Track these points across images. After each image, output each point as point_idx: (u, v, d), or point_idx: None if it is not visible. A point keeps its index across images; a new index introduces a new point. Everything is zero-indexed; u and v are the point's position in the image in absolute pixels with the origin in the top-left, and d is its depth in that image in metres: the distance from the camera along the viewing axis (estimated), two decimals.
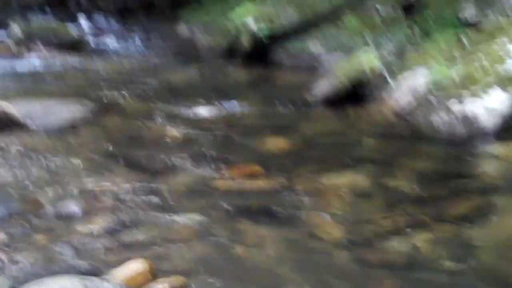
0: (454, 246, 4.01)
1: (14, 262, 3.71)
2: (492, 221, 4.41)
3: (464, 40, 6.79)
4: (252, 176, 5.03)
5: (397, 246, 4.01)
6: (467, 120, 5.82)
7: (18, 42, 9.58)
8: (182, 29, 10.68)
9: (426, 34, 7.62)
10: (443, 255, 3.89)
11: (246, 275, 3.72)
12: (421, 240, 4.05)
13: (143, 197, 4.66)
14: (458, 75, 6.20)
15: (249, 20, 8.92)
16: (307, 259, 3.90)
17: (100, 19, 11.28)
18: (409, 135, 5.94)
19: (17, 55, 9.07)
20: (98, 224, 4.20)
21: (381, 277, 3.68)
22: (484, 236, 4.17)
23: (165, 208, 4.50)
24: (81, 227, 4.16)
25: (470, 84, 6.04)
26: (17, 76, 8.14)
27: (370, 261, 3.85)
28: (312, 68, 8.18)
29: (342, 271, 3.75)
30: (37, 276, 3.35)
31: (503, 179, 5.07)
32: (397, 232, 4.16)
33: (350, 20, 8.45)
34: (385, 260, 3.85)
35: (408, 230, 4.17)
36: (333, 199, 4.67)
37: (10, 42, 9.62)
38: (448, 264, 3.80)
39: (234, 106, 6.86)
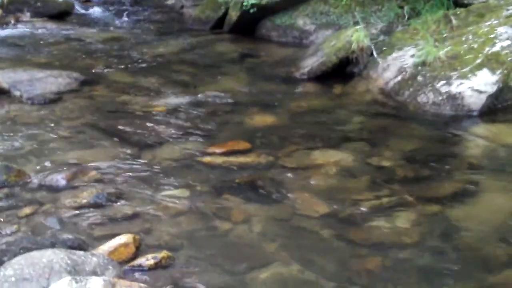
0: (438, 225, 4.05)
1: (0, 234, 3.72)
2: (476, 201, 4.46)
3: (454, 20, 6.79)
4: (239, 152, 5.03)
5: (382, 224, 4.05)
6: (454, 100, 5.85)
7: (5, 11, 9.47)
8: (171, 1, 10.59)
9: (416, 13, 7.62)
10: (427, 234, 3.94)
11: (232, 251, 3.75)
12: (405, 219, 4.10)
13: (130, 171, 4.67)
14: (446, 55, 6.21)
15: None
16: (293, 236, 3.93)
17: None
18: (395, 114, 5.96)
19: (4, 24, 8.97)
20: (84, 197, 4.19)
21: (365, 255, 3.72)
22: (468, 215, 4.21)
23: (151, 182, 4.50)
24: (67, 200, 4.17)
25: (458, 65, 6.06)
26: (4, 45, 8.06)
27: (355, 239, 3.88)
28: (300, 44, 8.16)
29: (327, 249, 3.79)
30: (23, 249, 3.35)
31: (488, 159, 5.11)
32: (382, 211, 4.20)
33: None
34: (369, 238, 3.89)
35: (393, 209, 4.22)
36: (319, 177, 4.70)
37: None
38: (432, 243, 3.86)
39: (220, 81, 6.85)
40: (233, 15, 8.85)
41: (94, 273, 3.19)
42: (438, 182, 4.65)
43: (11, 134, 5.17)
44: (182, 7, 10.15)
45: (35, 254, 3.23)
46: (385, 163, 4.91)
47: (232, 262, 3.61)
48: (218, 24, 9.15)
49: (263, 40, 8.59)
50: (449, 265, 3.65)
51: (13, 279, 3.10)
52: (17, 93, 6.03)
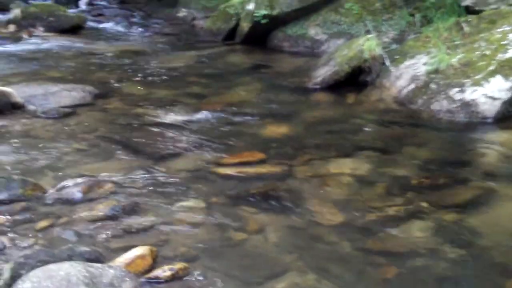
0: (455, 233, 4.03)
1: (18, 248, 3.73)
2: (492, 208, 4.43)
3: (465, 27, 6.79)
4: (253, 162, 5.04)
5: (398, 233, 4.03)
6: (468, 107, 5.84)
7: (19, 26, 9.56)
8: (182, 13, 10.64)
9: (427, 21, 7.62)
10: (444, 242, 3.92)
11: (247, 261, 3.74)
12: (421, 227, 4.08)
13: (145, 183, 4.67)
14: (459, 62, 6.20)
15: (249, 5, 8.89)
16: (308, 246, 3.92)
17: (100, 2, 11.25)
18: (409, 122, 5.95)
19: (18, 39, 9.05)
20: (100, 209, 4.20)
21: (381, 265, 3.70)
22: (485, 222, 4.19)
23: (167, 194, 4.51)
24: (83, 213, 4.17)
25: (471, 72, 6.05)
26: (18, 60, 8.12)
27: (371, 248, 3.87)
28: (312, 53, 8.19)
29: (343, 258, 3.78)
30: (41, 262, 3.35)
31: (503, 165, 5.09)
32: (398, 219, 4.18)
33: (351, 5, 8.43)
34: (385, 247, 3.87)
35: (409, 217, 4.20)
36: (334, 186, 4.69)
37: (11, 26, 9.60)
38: (449, 251, 3.83)
39: (234, 92, 6.86)
40: (245, 26, 8.89)
41: (112, 285, 3.19)
42: (454, 190, 4.63)
43: (27, 148, 5.19)
44: (193, 19, 10.21)
45: (52, 267, 3.24)
46: (400, 172, 4.90)
47: (248, 272, 3.60)
48: (230, 36, 9.19)
49: (275, 50, 8.63)
50: (467, 272, 3.64)
51: None
52: (32, 108, 6.07)
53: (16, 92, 6.13)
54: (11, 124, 5.68)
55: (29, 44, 8.87)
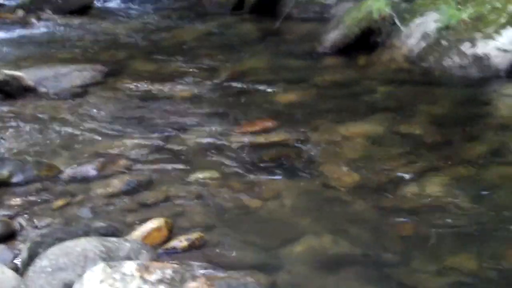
0: (471, 188, 4.01)
1: (35, 227, 3.77)
2: (508, 160, 4.41)
3: None
4: (266, 130, 5.02)
5: (414, 191, 4.02)
6: (480, 62, 5.77)
7: (27, 10, 9.55)
8: None
9: None
10: (460, 197, 3.89)
11: (263, 228, 3.74)
12: (437, 184, 4.06)
13: (159, 157, 4.69)
14: (469, 17, 6.12)
15: None
16: (324, 209, 3.92)
17: None
18: (422, 80, 5.90)
19: (27, 23, 9.04)
20: (115, 185, 4.22)
21: (398, 222, 3.70)
22: (501, 175, 4.17)
23: (181, 166, 4.52)
24: (98, 190, 4.20)
25: (481, 26, 5.97)
26: (28, 43, 8.12)
27: (387, 206, 3.86)
28: (322, 18, 8.08)
29: (359, 218, 3.78)
30: (58, 239, 3.38)
31: None
32: (413, 177, 4.17)
33: None
34: (401, 205, 3.86)
35: (424, 174, 4.18)
36: (348, 149, 4.67)
37: (19, 11, 9.60)
38: (465, 206, 3.81)
39: (244, 62, 6.84)
40: None
41: (128, 258, 3.21)
42: (468, 145, 4.60)
43: (40, 130, 5.21)
44: None
45: (69, 243, 3.27)
46: (414, 130, 4.87)
47: (265, 238, 3.61)
48: (238, 6, 9.12)
49: (284, 18, 8.55)
50: (484, 226, 3.61)
51: (49, 269, 3.13)
52: (43, 90, 6.09)
53: (27, 75, 6.14)
54: (24, 107, 5.70)
55: (38, 28, 8.85)
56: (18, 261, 3.43)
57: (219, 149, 4.79)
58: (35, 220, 3.84)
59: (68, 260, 3.16)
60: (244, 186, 4.20)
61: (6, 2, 10.08)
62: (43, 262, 3.18)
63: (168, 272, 2.99)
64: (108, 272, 2.91)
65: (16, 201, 4.09)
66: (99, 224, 3.67)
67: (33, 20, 9.16)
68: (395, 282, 3.22)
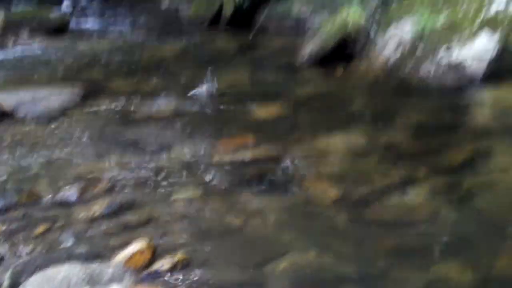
0: (451, 197, 4.03)
1: (15, 254, 3.72)
2: (488, 167, 4.45)
3: None
4: (246, 146, 5.02)
5: (396, 202, 4.04)
6: (455, 70, 5.82)
7: (3, 34, 9.51)
8: (165, 5, 10.59)
9: None
10: (442, 207, 3.92)
11: (247, 246, 3.74)
12: (418, 194, 4.08)
13: (140, 178, 4.66)
14: (443, 24, 6.17)
15: None
16: (307, 224, 3.92)
17: (83, 3, 11.20)
18: (398, 90, 5.94)
19: (2, 47, 9.00)
20: (97, 209, 4.19)
21: (380, 235, 3.70)
22: (481, 183, 4.19)
23: (162, 186, 4.50)
24: (80, 214, 4.16)
25: (455, 33, 6.02)
26: (4, 67, 8.07)
27: (369, 219, 3.87)
28: (298, 30, 8.13)
29: (342, 232, 3.78)
30: (39, 267, 3.36)
31: (495, 124, 5.10)
32: (394, 188, 4.19)
33: None
34: (383, 217, 3.88)
35: (405, 185, 4.20)
36: (329, 162, 4.69)
37: None
38: (446, 215, 3.83)
39: (222, 77, 6.84)
40: (228, 10, 8.84)
41: (112, 282, 3.20)
42: (448, 153, 4.63)
43: (19, 155, 5.16)
44: (177, 10, 10.15)
45: (51, 270, 3.25)
46: (393, 140, 4.90)
47: (249, 256, 3.60)
48: (214, 21, 9.14)
49: (260, 32, 8.57)
50: (467, 235, 3.63)
51: None
52: (21, 115, 6.04)
53: (4, 100, 6.10)
54: (1, 133, 5.66)
55: (14, 51, 8.82)
56: None
57: (200, 168, 4.77)
58: (16, 248, 3.80)
59: (51, 287, 3.14)
60: (226, 204, 4.19)
61: None
62: None
63: None
64: None
65: None
66: (81, 249, 3.64)
67: (9, 43, 9.12)
68: None
